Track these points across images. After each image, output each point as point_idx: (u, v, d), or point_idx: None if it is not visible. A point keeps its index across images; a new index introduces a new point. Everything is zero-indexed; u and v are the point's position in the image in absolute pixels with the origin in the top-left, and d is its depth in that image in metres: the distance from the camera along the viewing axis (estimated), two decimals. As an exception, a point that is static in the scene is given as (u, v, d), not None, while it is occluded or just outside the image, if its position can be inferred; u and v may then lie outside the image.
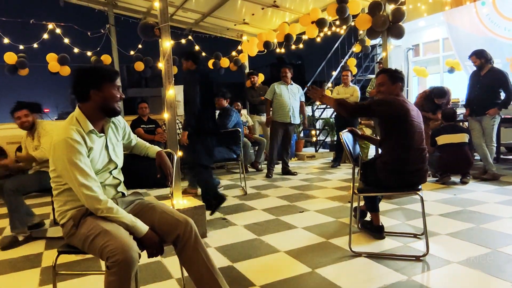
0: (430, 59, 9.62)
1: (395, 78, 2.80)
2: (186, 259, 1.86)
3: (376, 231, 2.97)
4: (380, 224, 2.97)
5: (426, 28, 9.15)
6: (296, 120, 5.98)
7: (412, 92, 9.76)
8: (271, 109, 5.96)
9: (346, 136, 2.77)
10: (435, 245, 2.71)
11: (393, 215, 3.52)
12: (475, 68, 4.92)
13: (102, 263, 2.46)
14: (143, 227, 1.78)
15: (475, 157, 5.28)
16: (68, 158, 1.70)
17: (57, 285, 1.91)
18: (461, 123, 5.55)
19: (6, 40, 6.58)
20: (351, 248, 2.68)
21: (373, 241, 2.91)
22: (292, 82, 6.00)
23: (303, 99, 6.13)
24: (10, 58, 6.66)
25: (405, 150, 2.66)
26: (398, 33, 4.40)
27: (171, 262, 2.62)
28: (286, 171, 6.03)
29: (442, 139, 4.72)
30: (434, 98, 5.32)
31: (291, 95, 5.89)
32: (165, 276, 2.47)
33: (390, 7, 4.39)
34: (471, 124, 4.96)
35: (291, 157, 7.37)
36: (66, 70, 7.22)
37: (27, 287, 2.44)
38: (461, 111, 6.17)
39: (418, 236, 2.93)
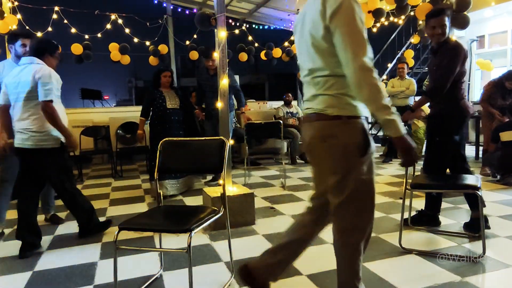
0: (496, 51, 8.92)
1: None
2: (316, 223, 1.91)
3: (430, 219, 2.95)
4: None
5: (493, 18, 8.48)
6: None
7: (474, 87, 9.14)
8: None
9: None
10: (492, 247, 2.57)
11: (448, 214, 3.37)
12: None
13: (157, 241, 2.62)
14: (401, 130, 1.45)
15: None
16: (359, 18, 1.45)
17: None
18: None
19: (73, 30, 7.07)
20: (401, 245, 2.63)
21: (425, 239, 2.82)
22: None
23: None
24: (77, 49, 7.16)
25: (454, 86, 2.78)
26: (462, 23, 4.14)
27: (221, 246, 2.73)
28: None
29: (506, 135, 4.40)
30: (505, 82, 4.90)
31: None
32: (215, 259, 2.58)
33: (454, -5, 4.15)
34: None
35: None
36: (126, 59, 7.61)
37: (90, 259, 2.67)
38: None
39: (474, 236, 2.80)
